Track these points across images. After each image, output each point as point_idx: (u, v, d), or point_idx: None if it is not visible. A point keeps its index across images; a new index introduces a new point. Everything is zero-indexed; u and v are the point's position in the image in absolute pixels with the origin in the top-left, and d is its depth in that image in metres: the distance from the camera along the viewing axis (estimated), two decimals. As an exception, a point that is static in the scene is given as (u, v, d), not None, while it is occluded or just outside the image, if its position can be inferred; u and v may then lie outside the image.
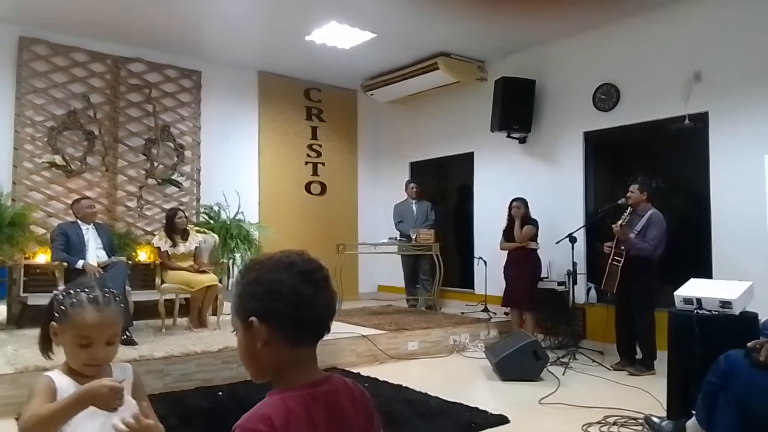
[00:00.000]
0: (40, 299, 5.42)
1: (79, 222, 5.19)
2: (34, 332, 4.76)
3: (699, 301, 3.46)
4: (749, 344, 2.72)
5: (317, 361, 1.11)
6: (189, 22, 6.10)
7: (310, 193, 8.34)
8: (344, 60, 7.18)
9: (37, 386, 1.37)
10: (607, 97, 6.04)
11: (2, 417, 3.57)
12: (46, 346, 1.44)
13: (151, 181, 6.93)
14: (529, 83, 6.64)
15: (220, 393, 4.19)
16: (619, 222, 4.96)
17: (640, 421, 3.54)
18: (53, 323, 1.41)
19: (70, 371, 1.42)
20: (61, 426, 1.29)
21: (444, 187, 8.61)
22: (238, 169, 7.56)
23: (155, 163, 6.97)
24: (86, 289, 1.42)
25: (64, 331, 1.39)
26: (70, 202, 5.73)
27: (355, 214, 8.76)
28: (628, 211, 5.01)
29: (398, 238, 7.18)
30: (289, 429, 0.98)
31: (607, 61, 6.05)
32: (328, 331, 1.10)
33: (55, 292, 1.49)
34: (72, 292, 1.42)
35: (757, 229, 4.86)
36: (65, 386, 1.38)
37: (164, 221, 5.79)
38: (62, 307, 1.39)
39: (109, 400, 1.27)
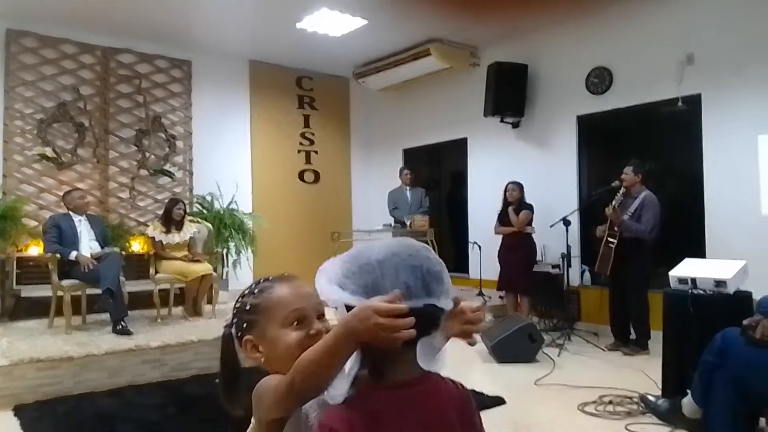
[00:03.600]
0: (33, 291, 5.43)
1: (71, 214, 5.16)
2: (28, 324, 4.78)
3: (693, 280, 3.49)
4: (745, 322, 2.74)
5: None
6: (178, 11, 6.04)
7: (304, 181, 8.31)
8: (336, 47, 7.14)
9: (264, 386, 1.06)
10: (600, 80, 6.03)
11: (-1, 408, 3.57)
12: (233, 387, 1.17)
13: (143, 172, 6.90)
14: (522, 68, 6.63)
15: (217, 380, 4.19)
16: (612, 204, 4.98)
17: (636, 399, 3.58)
18: (247, 339, 1.13)
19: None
20: (329, 377, 0.95)
21: (438, 173, 8.60)
22: (230, 158, 7.53)
23: (147, 154, 6.93)
24: (263, 280, 1.19)
25: (262, 334, 1.12)
26: (61, 194, 5.70)
27: (349, 202, 8.75)
28: (620, 193, 5.03)
29: (393, 224, 7.18)
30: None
31: (599, 44, 6.04)
32: None
33: (225, 325, 1.18)
34: (246, 293, 1.17)
35: (750, 209, 4.88)
36: None
37: (163, 210, 5.76)
38: (248, 310, 1.14)
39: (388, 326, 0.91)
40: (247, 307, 1.13)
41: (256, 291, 1.15)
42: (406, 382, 1.00)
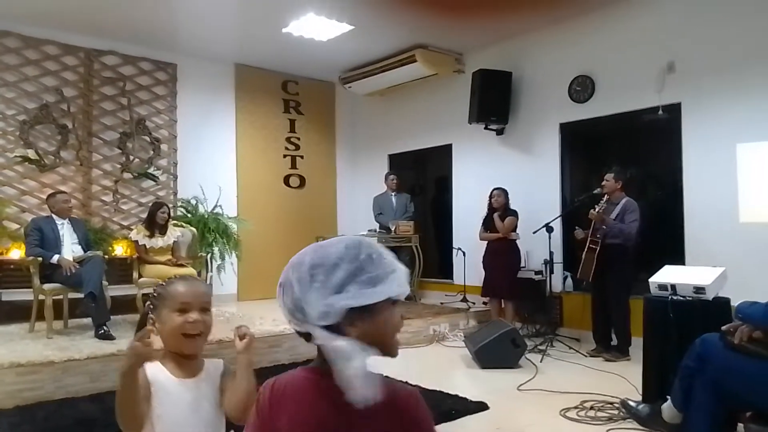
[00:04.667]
0: (14, 295, 5.36)
1: (54, 217, 5.11)
2: (9, 329, 4.73)
3: (673, 287, 3.54)
4: (724, 327, 2.79)
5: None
6: (164, 13, 6.01)
7: (289, 186, 8.30)
8: (322, 52, 7.15)
9: None
10: (582, 88, 6.11)
11: (-21, 414, 3.52)
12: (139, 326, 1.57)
13: (126, 175, 6.84)
14: (506, 75, 6.69)
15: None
16: (597, 209, 5.04)
17: (617, 405, 3.62)
18: (150, 317, 1.54)
19: (166, 359, 1.52)
20: (135, 397, 1.39)
21: (423, 178, 8.64)
22: (215, 162, 7.50)
23: (131, 157, 6.88)
24: (173, 277, 1.64)
25: (159, 315, 1.52)
26: (44, 197, 5.64)
27: (334, 207, 8.75)
28: (604, 199, 5.10)
29: (378, 230, 7.20)
30: None
31: (582, 52, 6.12)
32: None
33: (147, 305, 1.60)
34: (159, 285, 1.62)
35: (729, 217, 4.97)
36: (155, 370, 1.48)
37: (147, 213, 5.72)
38: (155, 295, 1.57)
39: (142, 353, 1.36)
40: (155, 294, 1.57)
41: (164, 284, 1.58)
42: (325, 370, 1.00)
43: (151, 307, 1.55)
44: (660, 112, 5.39)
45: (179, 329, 1.47)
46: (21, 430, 3.29)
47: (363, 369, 0.96)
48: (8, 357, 3.91)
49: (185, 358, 1.52)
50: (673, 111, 5.38)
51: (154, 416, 1.45)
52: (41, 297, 4.78)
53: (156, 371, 1.48)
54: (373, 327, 1.00)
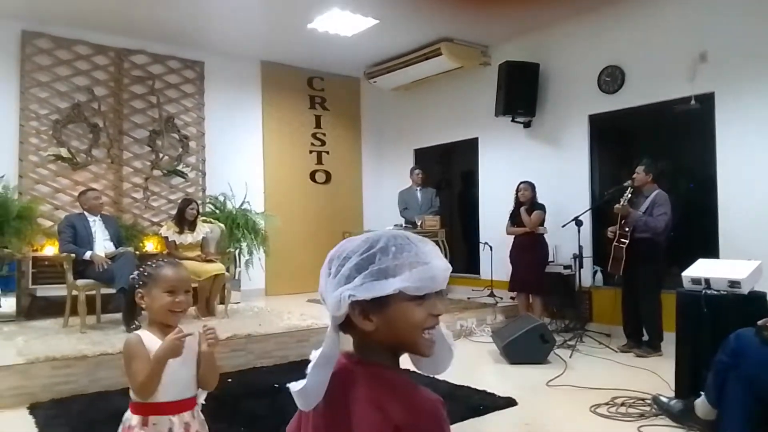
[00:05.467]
0: (49, 291, 5.48)
1: (86, 214, 5.22)
2: (44, 324, 4.85)
3: (707, 281, 3.46)
4: (759, 322, 2.72)
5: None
6: (191, 12, 6.09)
7: (315, 181, 8.33)
8: (347, 47, 7.15)
9: (131, 349, 1.76)
10: (612, 79, 6.00)
11: (14, 407, 3.61)
12: (131, 316, 1.97)
13: (156, 172, 6.95)
14: (534, 67, 6.61)
15: (230, 380, 4.22)
16: (621, 202, 4.95)
17: (648, 401, 3.55)
18: (139, 291, 1.80)
19: (152, 327, 1.82)
20: (160, 378, 1.73)
21: (449, 173, 8.59)
22: (242, 159, 7.57)
23: (160, 155, 6.98)
24: (160, 260, 1.88)
25: (150, 291, 1.78)
26: (76, 194, 5.76)
27: (360, 202, 8.76)
28: (629, 192, 5.00)
29: (403, 225, 7.18)
30: None
31: (611, 42, 6.01)
32: None
33: (131, 276, 1.87)
34: (148, 264, 1.85)
35: (765, 209, 4.84)
36: (148, 339, 1.77)
37: (176, 210, 5.80)
38: (146, 274, 1.80)
39: (178, 350, 1.72)
40: (146, 273, 1.81)
41: (153, 264, 1.83)
42: (359, 361, 1.01)
43: (140, 283, 1.80)
44: (692, 102, 5.26)
45: (167, 306, 1.77)
46: (56, 423, 3.36)
47: (309, 380, 0.97)
48: (43, 351, 4.01)
49: (168, 327, 1.80)
50: (706, 101, 5.24)
51: None
52: (74, 293, 4.88)
53: (149, 340, 1.77)
54: (387, 322, 0.96)
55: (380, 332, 0.97)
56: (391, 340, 0.99)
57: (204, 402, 1.86)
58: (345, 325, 1.00)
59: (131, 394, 1.80)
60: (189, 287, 1.86)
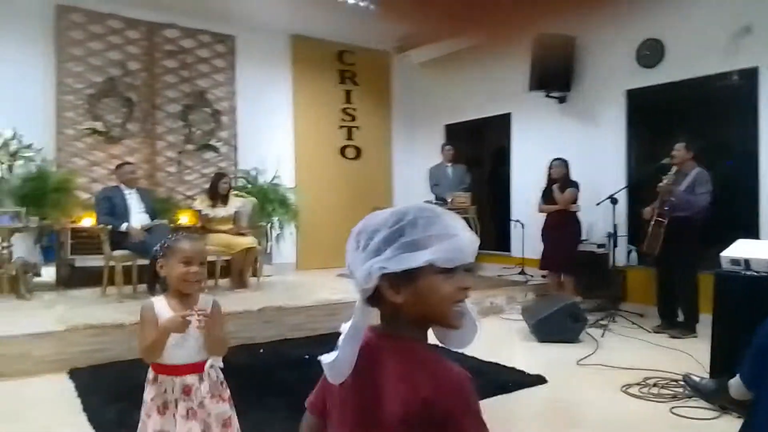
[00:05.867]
0: (87, 261, 5.62)
1: (121, 186, 5.31)
2: (83, 293, 4.97)
3: (747, 262, 3.38)
4: (798, 304, 2.64)
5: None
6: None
7: (345, 157, 8.32)
8: (377, 20, 7.05)
9: (143, 314, 1.90)
10: (651, 53, 5.81)
11: (55, 372, 3.74)
12: (153, 282, 1.99)
13: (189, 146, 7.02)
14: (569, 40, 6.43)
15: (261, 350, 4.30)
16: (665, 180, 4.83)
17: (681, 383, 3.50)
18: (159, 261, 1.94)
19: (171, 295, 1.94)
20: (163, 346, 1.86)
21: (480, 149, 8.49)
22: (273, 134, 7.59)
23: (193, 129, 7.04)
24: (180, 235, 2.05)
25: (168, 262, 1.92)
26: (111, 167, 5.86)
27: (390, 178, 8.74)
28: (673, 170, 4.87)
29: (434, 201, 7.14)
30: None
31: (651, 14, 5.80)
32: None
33: (154, 248, 2.01)
34: (169, 237, 2.01)
35: (810, 189, 4.67)
36: (160, 306, 1.92)
37: (209, 184, 5.86)
38: (166, 246, 1.94)
39: (181, 328, 1.84)
40: (165, 245, 1.95)
41: (172, 238, 1.99)
42: (388, 335, 1.01)
43: (161, 254, 1.94)
44: (735, 77, 5.07)
45: (182, 276, 1.90)
46: (94, 388, 3.47)
47: (341, 352, 0.97)
48: (82, 319, 4.13)
49: (185, 296, 1.94)
50: (749, 76, 5.05)
51: None
52: (111, 263, 5.00)
53: (160, 307, 1.91)
54: (416, 294, 0.96)
55: (409, 305, 0.97)
56: (420, 313, 0.98)
57: (221, 366, 1.96)
58: (373, 298, 0.99)
59: None
60: (204, 260, 2.01)
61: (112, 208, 5.11)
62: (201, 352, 1.92)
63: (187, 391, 1.89)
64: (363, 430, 0.99)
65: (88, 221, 5.83)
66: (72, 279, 5.63)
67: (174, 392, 1.89)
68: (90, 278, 5.46)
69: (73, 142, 6.37)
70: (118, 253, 4.96)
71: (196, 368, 1.91)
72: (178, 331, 1.84)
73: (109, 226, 4.99)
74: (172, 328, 1.84)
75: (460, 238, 0.97)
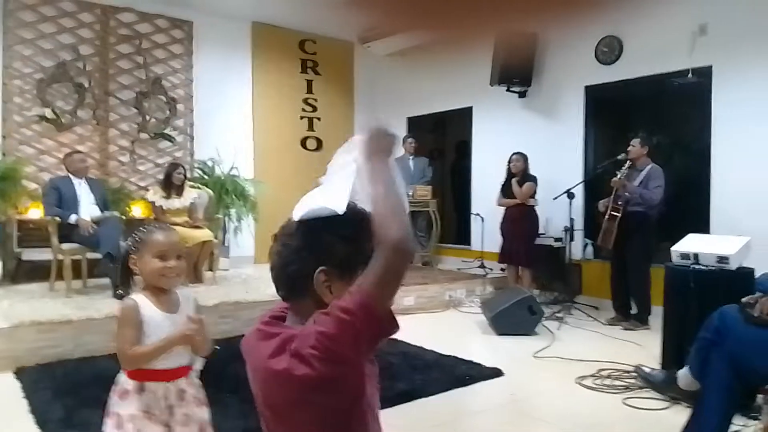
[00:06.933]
0: (34, 254, 5.42)
1: (71, 176, 5.12)
2: (30, 287, 4.77)
3: (696, 256, 3.47)
4: (743, 299, 2.72)
5: None
6: (179, -31, 5.89)
7: (306, 148, 8.22)
8: (340, 9, 6.97)
9: (126, 314, 1.76)
10: (609, 49, 5.90)
11: (0, 370, 3.58)
12: (126, 281, 1.85)
13: (143, 135, 6.81)
14: (531, 35, 6.48)
15: (218, 347, 4.20)
16: (618, 175, 4.93)
17: (634, 374, 3.57)
18: (132, 256, 1.80)
19: (146, 291, 1.81)
20: (157, 357, 1.75)
21: (442, 142, 8.52)
22: (231, 123, 7.44)
23: (147, 117, 6.84)
24: (151, 226, 1.91)
25: (142, 256, 1.78)
26: (61, 156, 5.64)
27: (351, 170, 8.66)
28: (626, 165, 4.97)
29: (395, 193, 7.12)
30: None
31: (610, 12, 5.88)
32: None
33: (122, 243, 1.91)
34: (140, 230, 1.86)
35: (757, 185, 4.83)
36: (144, 304, 1.78)
37: (163, 174, 5.71)
38: (138, 240, 1.81)
39: (190, 340, 1.77)
40: (137, 238, 1.82)
41: (145, 230, 1.84)
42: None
43: (133, 248, 1.81)
44: (690, 75, 5.20)
45: (158, 271, 1.77)
46: (41, 387, 3.34)
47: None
48: (29, 315, 3.97)
49: (161, 291, 1.81)
50: (704, 75, 5.18)
51: (147, 343, 1.77)
52: (60, 257, 4.82)
53: (144, 306, 1.78)
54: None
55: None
56: None
57: (201, 368, 1.88)
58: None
59: None
60: (181, 252, 1.86)
61: (60, 199, 4.92)
62: (186, 354, 1.83)
63: (181, 396, 1.80)
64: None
65: (35, 212, 5.61)
66: (18, 273, 5.42)
67: (169, 399, 1.78)
68: (37, 272, 5.27)
69: (21, 129, 6.11)
70: (67, 246, 4.78)
71: (185, 371, 1.83)
72: (185, 344, 1.77)
73: (58, 218, 4.81)
74: (181, 342, 1.76)
75: None
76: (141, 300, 1.79)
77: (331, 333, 0.89)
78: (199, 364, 1.87)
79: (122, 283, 1.87)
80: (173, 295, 1.85)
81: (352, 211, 1.02)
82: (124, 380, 1.79)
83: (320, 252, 1.00)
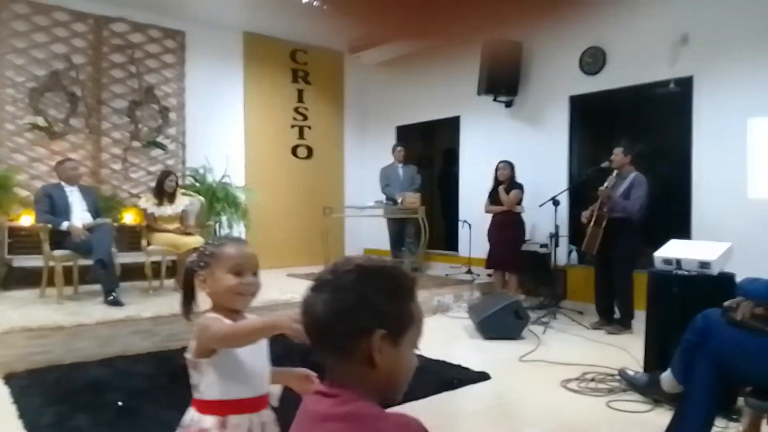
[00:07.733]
0: (25, 261, 5.43)
1: (63, 184, 5.15)
2: (21, 294, 4.80)
3: (678, 261, 3.53)
4: (726, 303, 2.79)
5: None
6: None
7: (297, 156, 8.30)
8: (331, 20, 7.06)
9: (211, 321, 1.48)
10: (593, 60, 6.03)
11: (-9, 375, 3.61)
12: (189, 302, 1.59)
13: (135, 143, 6.85)
14: (517, 46, 6.60)
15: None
16: (606, 184, 5.03)
17: (617, 377, 3.65)
18: (200, 273, 1.54)
19: (219, 314, 1.53)
20: (247, 344, 1.48)
21: (431, 150, 8.61)
22: (223, 131, 7.50)
23: (140, 126, 6.88)
24: (224, 237, 1.69)
25: (212, 273, 1.52)
26: (53, 164, 5.67)
27: (341, 178, 8.75)
28: (614, 174, 5.08)
29: (384, 201, 7.21)
30: None
31: (594, 23, 6.02)
32: None
33: (190, 259, 1.60)
34: (209, 242, 1.62)
35: (738, 192, 4.94)
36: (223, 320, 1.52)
37: (155, 182, 5.75)
38: (207, 254, 1.55)
39: (289, 330, 1.31)
40: (207, 252, 1.55)
41: (215, 243, 1.59)
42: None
43: (201, 264, 1.54)
44: (672, 85, 5.32)
45: (235, 289, 1.52)
46: (31, 393, 3.36)
47: None
48: (19, 321, 4.00)
49: (234, 313, 1.56)
50: (685, 85, 5.31)
51: (231, 359, 1.51)
52: (51, 263, 4.85)
53: (222, 318, 1.53)
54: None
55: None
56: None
57: (279, 396, 1.62)
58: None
59: (196, 392, 1.52)
60: (257, 267, 1.60)
61: (52, 206, 4.95)
62: (266, 381, 1.58)
63: (263, 430, 1.53)
64: None
65: (27, 219, 5.62)
66: (9, 279, 5.44)
67: None
68: (29, 279, 5.29)
69: (13, 137, 6.14)
70: (58, 252, 4.81)
71: (267, 401, 1.57)
72: (287, 330, 1.32)
73: (49, 225, 4.84)
74: (284, 327, 1.32)
75: None
76: (215, 318, 1.51)
77: None
78: (277, 391, 1.61)
79: (184, 308, 1.60)
80: (242, 316, 1.58)
81: (402, 272, 0.99)
82: (198, 419, 1.48)
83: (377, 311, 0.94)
